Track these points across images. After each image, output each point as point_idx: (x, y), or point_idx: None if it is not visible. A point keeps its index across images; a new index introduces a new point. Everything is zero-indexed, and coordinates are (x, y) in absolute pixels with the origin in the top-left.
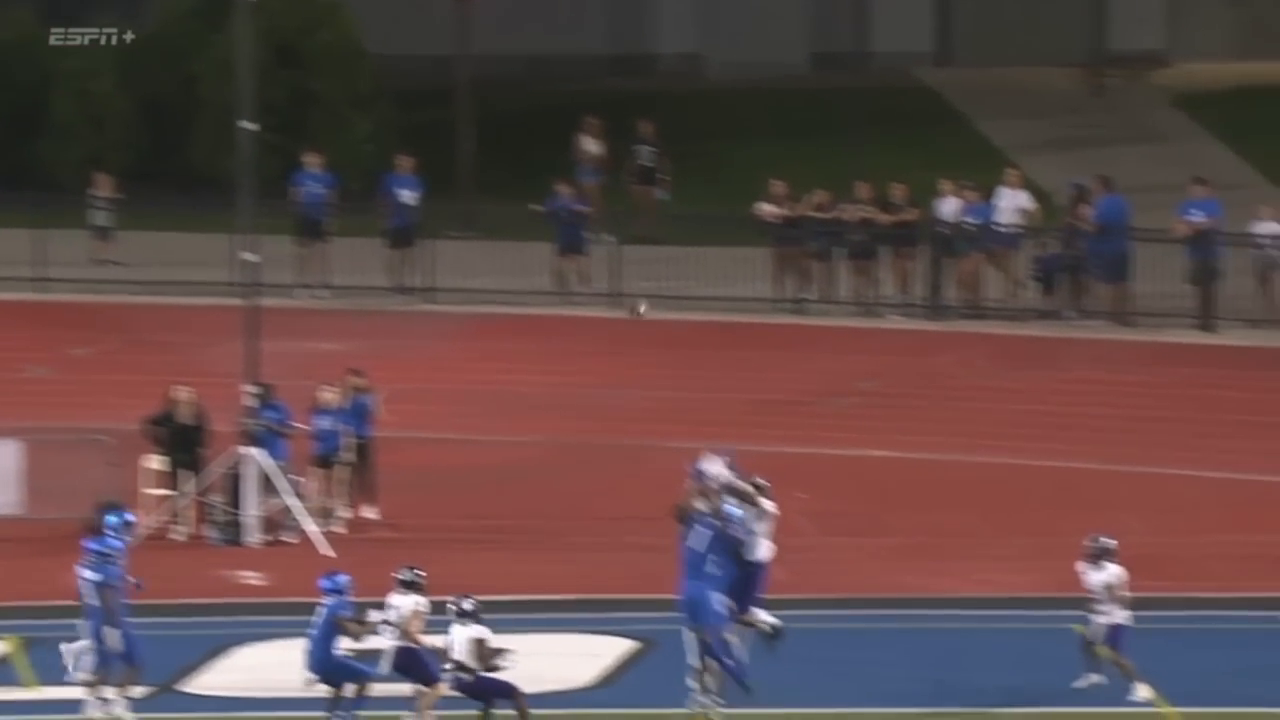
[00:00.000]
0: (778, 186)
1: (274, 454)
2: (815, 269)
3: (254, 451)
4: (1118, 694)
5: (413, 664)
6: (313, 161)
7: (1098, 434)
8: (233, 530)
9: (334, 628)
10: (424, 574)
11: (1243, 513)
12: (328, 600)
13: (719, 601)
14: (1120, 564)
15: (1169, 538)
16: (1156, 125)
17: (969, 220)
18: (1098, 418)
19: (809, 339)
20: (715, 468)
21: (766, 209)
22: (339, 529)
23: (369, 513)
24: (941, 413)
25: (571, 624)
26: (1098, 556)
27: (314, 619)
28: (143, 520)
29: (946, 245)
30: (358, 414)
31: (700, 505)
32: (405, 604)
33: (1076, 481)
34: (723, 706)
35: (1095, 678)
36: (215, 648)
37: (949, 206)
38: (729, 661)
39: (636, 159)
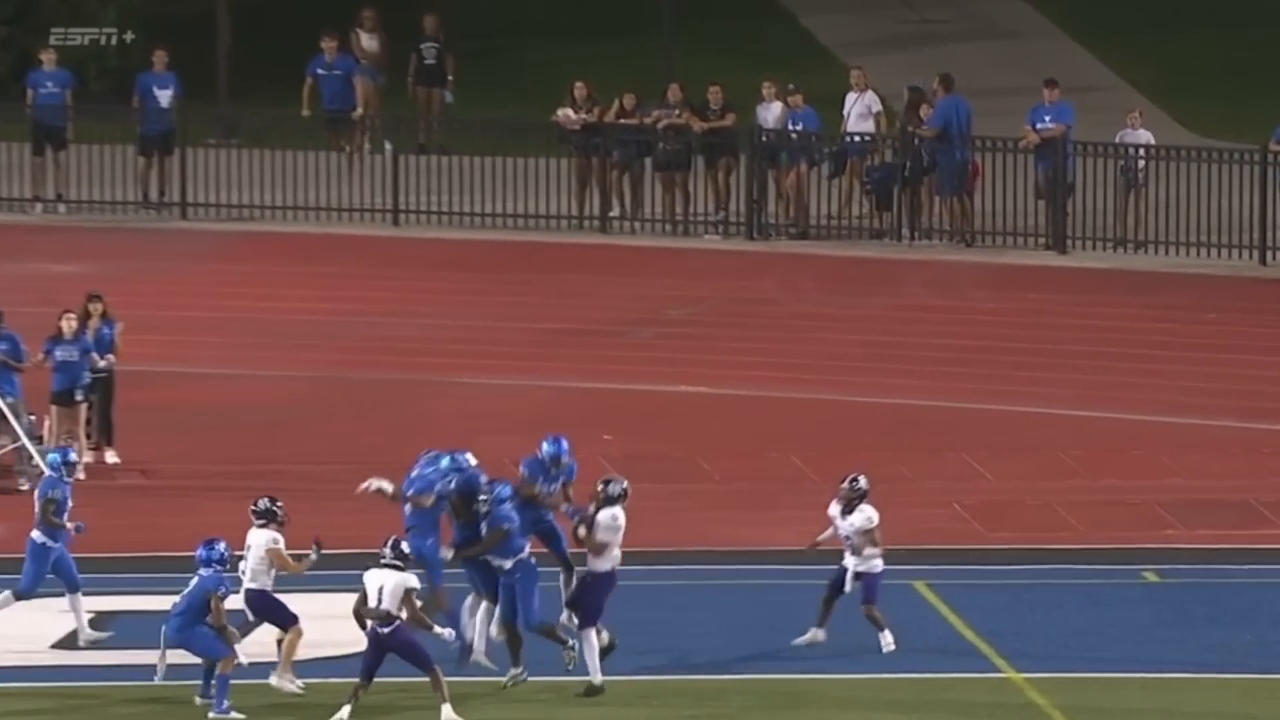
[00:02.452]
0: (579, 89)
1: (4, 390)
2: (621, 182)
3: None
4: (954, 659)
5: (266, 606)
6: (48, 58)
7: (937, 367)
8: None
9: (204, 604)
10: (281, 505)
11: (1098, 455)
12: (203, 571)
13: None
14: (874, 505)
15: (1016, 482)
16: (1002, 20)
17: (794, 128)
18: (937, 349)
19: (614, 261)
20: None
21: (566, 115)
22: (80, 475)
23: (111, 457)
24: (763, 344)
25: (348, 582)
26: (853, 500)
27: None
28: None
29: (769, 156)
30: (99, 345)
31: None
32: (261, 539)
33: (914, 420)
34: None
35: (819, 634)
36: None
37: (772, 112)
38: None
39: (420, 58)
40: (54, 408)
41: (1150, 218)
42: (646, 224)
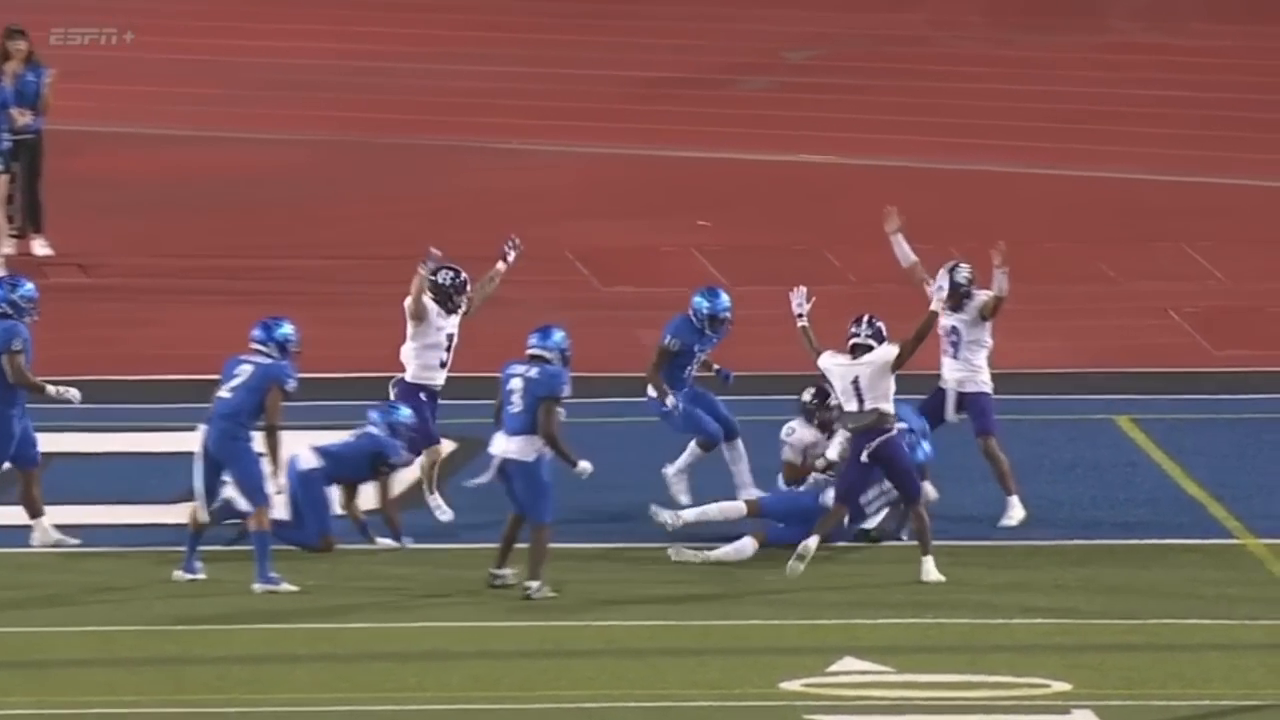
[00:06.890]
0: None
1: None
2: None
3: None
4: (1170, 519)
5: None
6: None
7: (1147, 128)
8: None
9: (260, 403)
10: (462, 277)
11: None
12: (261, 359)
13: None
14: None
15: (1254, 283)
16: None
17: None
18: (1148, 103)
19: None
20: None
21: None
22: None
23: (40, 247)
24: (911, 98)
25: (337, 413)
26: (960, 299)
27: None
28: None
29: None
30: (22, 98)
31: None
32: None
33: (1116, 200)
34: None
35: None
36: None
37: None
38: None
39: None
40: None
41: None
42: None
